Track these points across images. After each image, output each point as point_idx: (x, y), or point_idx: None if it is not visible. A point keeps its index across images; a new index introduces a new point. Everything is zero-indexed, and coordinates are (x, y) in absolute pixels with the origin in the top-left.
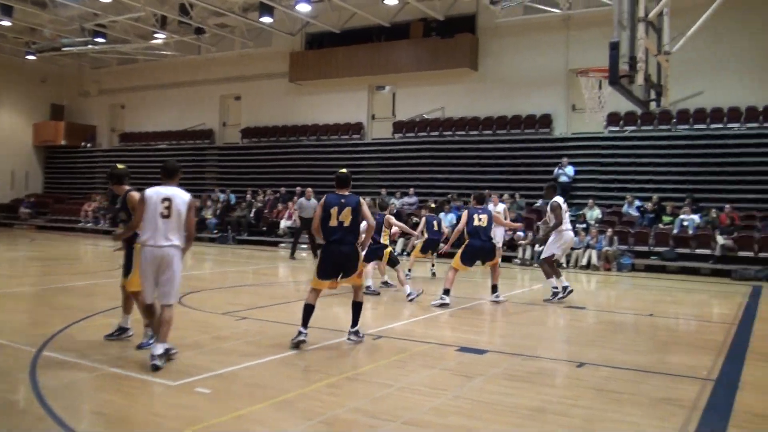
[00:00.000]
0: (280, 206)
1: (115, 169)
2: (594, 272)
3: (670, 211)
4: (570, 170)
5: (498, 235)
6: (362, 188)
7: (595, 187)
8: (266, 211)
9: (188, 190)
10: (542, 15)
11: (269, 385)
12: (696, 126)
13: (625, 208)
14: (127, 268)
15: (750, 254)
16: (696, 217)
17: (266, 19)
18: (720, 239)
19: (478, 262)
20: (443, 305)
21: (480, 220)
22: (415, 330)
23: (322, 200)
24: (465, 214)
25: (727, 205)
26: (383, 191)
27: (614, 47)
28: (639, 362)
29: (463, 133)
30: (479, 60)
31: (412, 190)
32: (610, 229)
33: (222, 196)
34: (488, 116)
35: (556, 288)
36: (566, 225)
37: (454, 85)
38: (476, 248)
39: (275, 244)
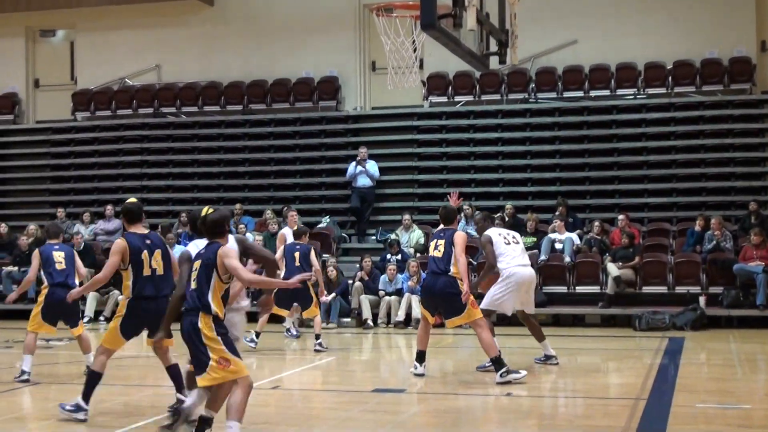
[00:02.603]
0: None
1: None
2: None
3: (532, 226)
4: (373, 168)
5: None
6: (14, 208)
7: (412, 195)
8: None
9: None
10: None
11: None
12: (567, 94)
13: (461, 226)
14: None
15: (661, 289)
16: (574, 235)
17: None
18: (612, 268)
19: None
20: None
21: None
22: None
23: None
24: None
25: (621, 215)
26: (59, 212)
27: None
28: None
29: (194, 109)
30: None
31: (110, 209)
32: None
33: None
34: (235, 81)
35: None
36: (512, 260)
37: (176, 30)
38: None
39: None
